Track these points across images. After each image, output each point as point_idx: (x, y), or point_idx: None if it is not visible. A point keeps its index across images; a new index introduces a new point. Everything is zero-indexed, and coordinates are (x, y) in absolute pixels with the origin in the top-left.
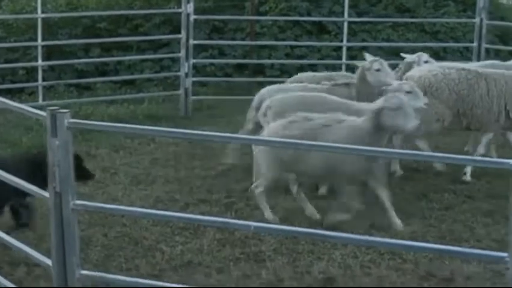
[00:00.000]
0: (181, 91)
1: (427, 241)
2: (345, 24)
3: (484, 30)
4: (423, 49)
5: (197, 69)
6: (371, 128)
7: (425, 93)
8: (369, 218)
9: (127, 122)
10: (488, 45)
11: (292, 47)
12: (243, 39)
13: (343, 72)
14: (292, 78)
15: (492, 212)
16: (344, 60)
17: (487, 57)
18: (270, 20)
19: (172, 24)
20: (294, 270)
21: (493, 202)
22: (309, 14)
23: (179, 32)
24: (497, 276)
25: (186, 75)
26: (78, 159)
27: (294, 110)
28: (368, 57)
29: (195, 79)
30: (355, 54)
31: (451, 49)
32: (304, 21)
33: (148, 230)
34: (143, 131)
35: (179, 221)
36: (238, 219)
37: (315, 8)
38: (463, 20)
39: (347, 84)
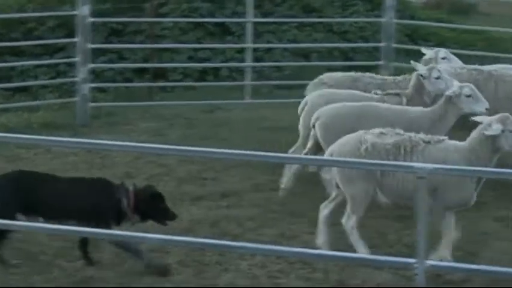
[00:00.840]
0: (78, 98)
1: (338, 249)
2: (249, 25)
3: (392, 30)
4: (332, 50)
5: (95, 75)
6: (486, 154)
7: None
8: (278, 226)
9: (21, 132)
10: (397, 45)
11: (195, 49)
12: (142, 42)
13: (368, 74)
14: (316, 80)
15: (404, 217)
16: (249, 62)
17: (397, 57)
18: (171, 22)
19: (68, 27)
20: (200, 282)
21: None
22: (211, 15)
23: (75, 36)
24: (408, 283)
25: (83, 80)
26: (160, 198)
27: (344, 122)
28: (431, 55)
29: (93, 85)
30: (260, 55)
31: (360, 49)
32: (207, 23)
33: (46, 245)
34: (38, 141)
35: (75, 235)
36: (142, 231)
37: (218, 9)
38: (371, 19)
39: (397, 94)
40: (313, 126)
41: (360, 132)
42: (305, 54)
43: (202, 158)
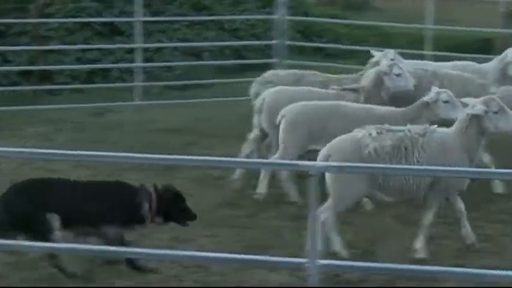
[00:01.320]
0: None
1: (235, 251)
2: (139, 25)
3: (285, 27)
4: (224, 48)
5: None
6: (473, 135)
7: None
8: (172, 230)
9: None
10: (290, 42)
11: (83, 50)
12: (28, 44)
13: (312, 72)
14: (260, 78)
15: (299, 217)
16: (139, 63)
17: (291, 55)
18: (57, 23)
19: None
20: None
21: (300, 206)
22: (99, 15)
23: None
24: (303, 283)
25: None
26: (181, 199)
27: (311, 120)
28: (380, 57)
29: None
30: (151, 55)
31: (252, 47)
32: (94, 23)
33: None
34: None
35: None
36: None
37: (106, 9)
38: (263, 16)
39: (355, 90)
40: (278, 123)
41: (356, 134)
42: (196, 54)
43: (92, 162)
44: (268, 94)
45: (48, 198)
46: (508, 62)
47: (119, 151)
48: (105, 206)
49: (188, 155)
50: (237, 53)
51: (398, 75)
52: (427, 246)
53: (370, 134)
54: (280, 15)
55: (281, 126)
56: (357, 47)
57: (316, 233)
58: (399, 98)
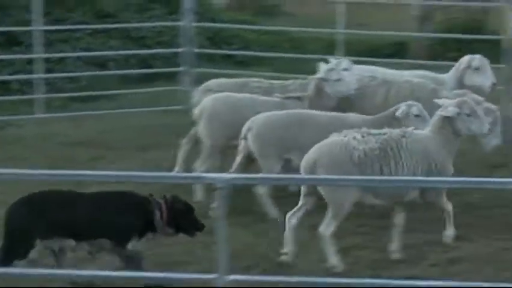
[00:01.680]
0: None
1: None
2: (38, 34)
3: (191, 34)
4: (130, 57)
5: None
6: (448, 135)
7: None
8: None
9: None
10: (199, 50)
11: None
12: None
13: (255, 79)
14: (202, 87)
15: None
16: (40, 74)
17: (200, 63)
18: None
19: None
20: None
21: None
22: None
23: None
24: None
25: None
26: (191, 209)
27: (280, 130)
28: (324, 66)
29: None
30: (52, 66)
31: (159, 56)
32: None
33: None
34: None
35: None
36: None
37: (2, 17)
38: (169, 23)
39: (298, 98)
40: (245, 137)
41: (341, 138)
42: (101, 63)
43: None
44: (207, 101)
45: (55, 213)
46: (463, 70)
47: (23, 167)
48: (118, 216)
49: (95, 169)
50: (144, 62)
51: (337, 80)
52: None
53: (355, 138)
54: (187, 21)
55: (249, 140)
56: (268, 54)
57: (223, 248)
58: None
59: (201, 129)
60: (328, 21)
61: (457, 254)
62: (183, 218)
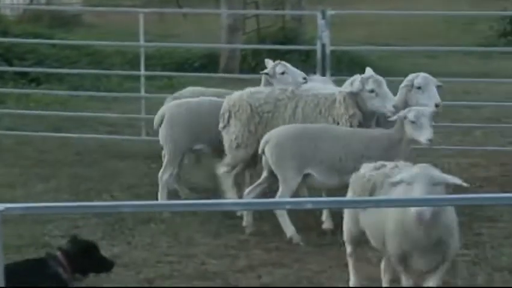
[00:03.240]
0: None
1: None
2: None
3: None
4: None
5: None
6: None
7: (229, 115)
8: None
9: None
10: None
11: None
12: None
13: (223, 90)
14: (177, 94)
15: None
16: None
17: None
18: None
19: None
20: None
21: None
22: None
23: None
24: None
25: None
26: (93, 249)
27: (298, 142)
28: (270, 63)
29: None
30: None
31: None
32: None
33: None
34: None
35: None
36: None
37: None
38: None
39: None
40: (263, 151)
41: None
42: None
43: None
44: (167, 108)
45: None
46: (406, 88)
47: None
48: None
49: None
50: None
51: (283, 73)
52: None
53: None
54: None
55: (267, 154)
56: (67, 70)
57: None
58: None
59: (162, 135)
60: (133, 32)
61: None
62: (87, 261)
